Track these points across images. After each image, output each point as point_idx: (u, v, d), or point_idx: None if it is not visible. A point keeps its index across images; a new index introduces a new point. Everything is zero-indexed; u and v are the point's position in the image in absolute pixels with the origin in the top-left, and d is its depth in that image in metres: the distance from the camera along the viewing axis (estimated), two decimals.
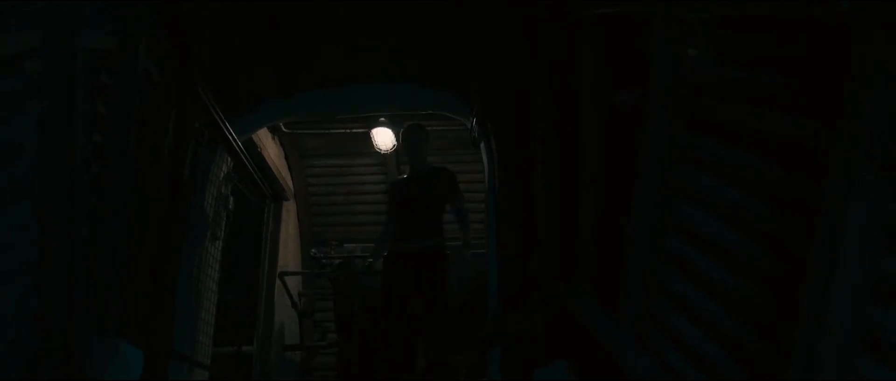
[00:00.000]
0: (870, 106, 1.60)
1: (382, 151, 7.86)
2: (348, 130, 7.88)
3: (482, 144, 4.92)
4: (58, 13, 2.17)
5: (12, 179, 2.28)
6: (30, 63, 2.19)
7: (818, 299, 1.81)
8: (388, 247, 5.29)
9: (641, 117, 2.78)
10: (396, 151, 7.70)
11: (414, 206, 5.12)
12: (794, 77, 1.92)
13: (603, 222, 3.17)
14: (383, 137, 7.64)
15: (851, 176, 1.71)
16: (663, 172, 2.64)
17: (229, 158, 5.18)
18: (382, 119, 7.46)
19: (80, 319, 2.62)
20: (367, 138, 7.78)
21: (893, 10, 1.52)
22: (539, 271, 3.91)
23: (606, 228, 3.13)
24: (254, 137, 6.06)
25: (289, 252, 7.92)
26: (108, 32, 2.91)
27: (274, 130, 7.45)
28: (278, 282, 7.19)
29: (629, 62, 3.00)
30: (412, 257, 5.03)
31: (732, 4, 2.22)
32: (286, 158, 8.12)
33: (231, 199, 5.49)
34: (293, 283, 7.74)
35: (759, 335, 2.05)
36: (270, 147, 7.17)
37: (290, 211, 8.09)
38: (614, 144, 3.13)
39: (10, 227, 2.33)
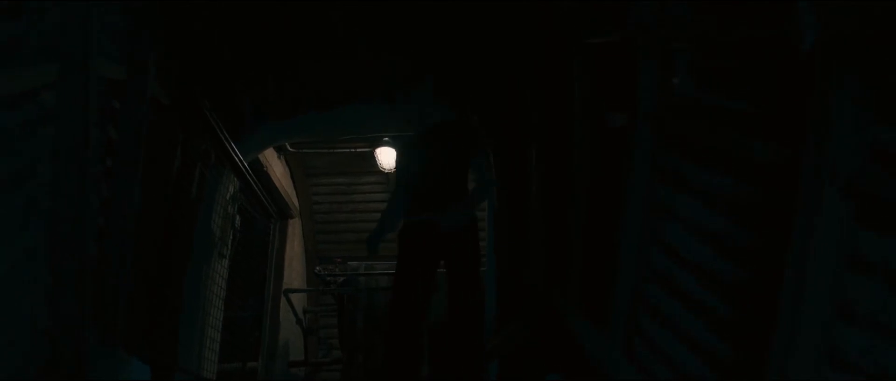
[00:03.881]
0: (833, 135, 1.71)
1: (386, 171, 7.98)
2: (353, 150, 8.02)
3: None
4: (74, 45, 2.29)
5: (28, 200, 2.40)
6: (46, 93, 2.32)
7: (789, 317, 1.92)
8: (396, 223, 4.57)
9: (629, 139, 2.90)
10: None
11: (430, 168, 4.37)
12: (766, 106, 2.02)
13: (593, 239, 3.27)
14: (387, 157, 7.76)
15: (818, 199, 1.82)
16: (649, 192, 2.75)
17: (235, 179, 5.30)
18: (386, 139, 7.59)
19: (89, 334, 2.73)
20: (372, 157, 7.91)
21: (849, 49, 1.63)
22: (532, 285, 4.01)
23: (596, 245, 3.23)
24: (260, 157, 6.20)
25: (294, 270, 8.04)
26: (118, 61, 3.04)
27: (279, 150, 7.58)
28: (283, 299, 7.30)
29: (619, 86, 3.11)
30: (431, 232, 4.24)
31: (710, 38, 2.33)
32: (292, 177, 8.25)
33: (237, 218, 5.61)
34: (298, 300, 7.84)
35: (736, 351, 2.15)
36: (276, 166, 7.30)
37: (295, 229, 8.22)
38: (604, 165, 3.24)
39: (25, 245, 2.45)
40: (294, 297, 7.53)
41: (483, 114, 4.93)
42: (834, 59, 1.65)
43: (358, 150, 7.98)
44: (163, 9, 3.26)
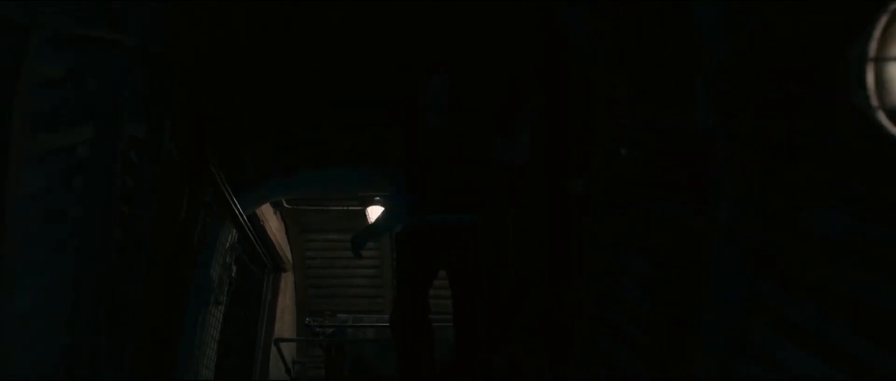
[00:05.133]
0: (724, 201, 2.13)
1: None
2: (345, 208, 8.40)
3: None
4: (108, 109, 2.72)
5: (58, 240, 2.78)
6: (81, 147, 2.73)
7: (701, 352, 2.31)
8: (394, 223, 4.04)
9: (586, 204, 3.31)
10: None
11: (441, 163, 3.80)
12: (683, 177, 2.44)
13: (555, 291, 3.65)
14: (377, 216, 8.14)
15: (721, 253, 2.22)
16: (602, 252, 3.15)
17: (234, 230, 5.66)
18: (377, 198, 7.98)
19: (102, 364, 3.08)
20: (363, 216, 8.29)
21: (736, 131, 2.06)
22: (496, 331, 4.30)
23: (558, 296, 3.61)
24: (257, 211, 6.57)
25: (285, 321, 8.32)
26: (139, 120, 3.45)
27: (276, 205, 7.97)
28: (274, 348, 7.58)
29: (580, 157, 3.54)
30: (438, 236, 3.72)
31: (643, 124, 2.77)
32: (287, 231, 8.61)
33: (234, 267, 5.95)
34: (288, 350, 8.11)
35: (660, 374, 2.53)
36: (272, 221, 7.67)
37: (288, 282, 8.53)
38: (566, 223, 3.63)
39: (51, 279, 2.82)
40: (284, 347, 7.80)
41: None
42: (723, 138, 2.07)
43: (350, 208, 8.36)
44: (178, 80, 3.68)
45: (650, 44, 2.61)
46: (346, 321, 8.31)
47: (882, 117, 1.26)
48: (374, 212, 8.14)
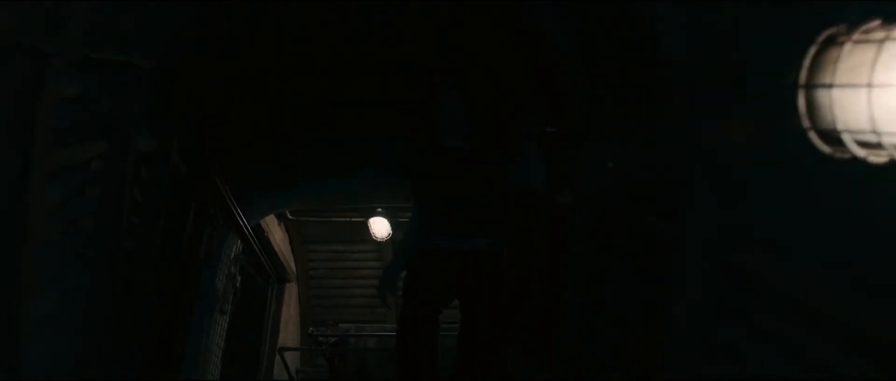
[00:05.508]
0: (692, 212, 2.29)
1: (379, 240, 8.52)
2: (348, 219, 8.57)
3: None
4: (120, 126, 2.89)
5: (73, 250, 2.94)
6: (95, 162, 2.89)
7: (674, 353, 2.47)
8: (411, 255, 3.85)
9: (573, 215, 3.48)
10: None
11: (460, 186, 3.69)
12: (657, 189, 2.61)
13: (546, 298, 3.81)
14: (379, 227, 8.32)
15: (690, 261, 2.38)
16: (586, 259, 3.31)
17: (239, 241, 5.84)
18: (379, 209, 8.15)
19: (112, 368, 3.24)
20: (365, 227, 8.46)
21: (702, 145, 2.22)
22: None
23: (549, 301, 3.77)
24: (262, 222, 6.75)
25: (289, 331, 8.48)
26: (148, 136, 3.63)
27: (280, 217, 8.14)
28: (278, 357, 7.73)
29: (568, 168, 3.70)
30: (457, 263, 3.62)
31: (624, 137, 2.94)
32: (290, 242, 8.78)
33: (239, 278, 6.12)
34: (291, 360, 8.26)
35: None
36: (276, 232, 7.84)
37: (291, 292, 8.69)
38: (557, 233, 3.79)
39: (66, 289, 2.98)
40: (288, 356, 7.96)
41: None
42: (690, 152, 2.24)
43: (353, 219, 8.54)
44: (185, 97, 3.86)
45: (628, 59, 2.78)
46: (349, 330, 8.46)
47: (814, 137, 1.41)
48: (376, 223, 8.31)
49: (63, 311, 2.87)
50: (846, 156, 1.38)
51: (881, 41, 1.25)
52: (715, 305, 2.32)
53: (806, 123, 1.41)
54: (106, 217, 3.02)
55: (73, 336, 2.98)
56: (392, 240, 8.53)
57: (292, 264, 8.76)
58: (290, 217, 8.41)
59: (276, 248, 7.66)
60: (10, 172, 2.11)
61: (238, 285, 6.08)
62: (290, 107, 5.20)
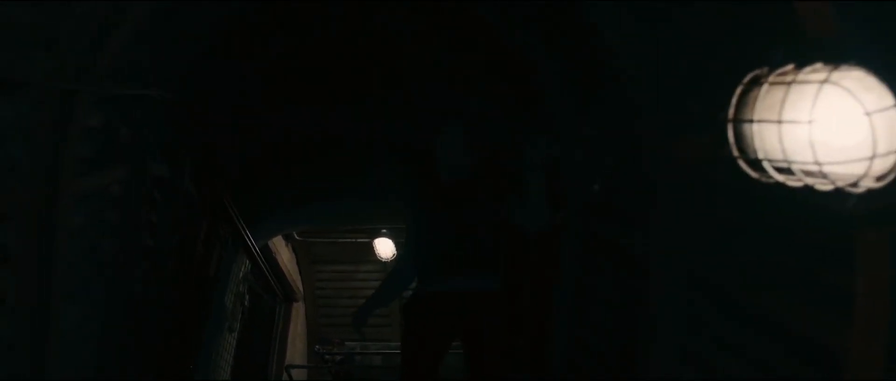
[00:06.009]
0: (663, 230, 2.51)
1: (384, 260, 8.74)
2: (353, 240, 8.80)
3: None
4: (136, 153, 3.14)
5: (93, 269, 3.18)
6: (114, 186, 3.14)
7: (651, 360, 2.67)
8: (399, 291, 3.84)
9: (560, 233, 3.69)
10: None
11: (457, 223, 3.49)
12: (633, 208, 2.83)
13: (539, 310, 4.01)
14: (384, 247, 8.54)
15: (663, 275, 2.59)
16: (573, 274, 3.53)
17: (247, 261, 6.07)
18: (384, 230, 8.38)
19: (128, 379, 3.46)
20: (371, 247, 8.68)
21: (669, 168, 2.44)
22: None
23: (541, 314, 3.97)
24: (269, 243, 6.98)
25: (296, 349, 8.68)
26: (162, 162, 3.87)
27: (287, 238, 8.38)
28: (285, 375, 7.93)
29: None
30: (456, 305, 3.41)
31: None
32: (298, 262, 9.01)
33: (247, 297, 6.34)
34: (299, 376, 8.46)
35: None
36: (284, 253, 8.07)
37: (298, 311, 8.90)
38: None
39: (86, 306, 3.21)
40: (295, 374, 8.15)
41: None
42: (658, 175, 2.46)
43: (358, 240, 8.76)
44: (196, 125, 4.11)
45: (606, 85, 3.01)
46: (355, 348, 8.67)
47: (742, 164, 1.63)
48: (381, 244, 8.53)
49: (83, 324, 3.11)
50: (770, 180, 1.59)
51: (790, 83, 1.48)
52: (684, 315, 2.52)
53: (735, 152, 1.62)
54: (123, 239, 3.25)
55: (92, 347, 3.21)
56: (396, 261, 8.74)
57: (299, 284, 8.98)
58: (297, 238, 8.65)
59: (283, 268, 7.88)
60: (41, 196, 2.35)
61: (246, 303, 6.29)
62: (297, 135, 5.42)
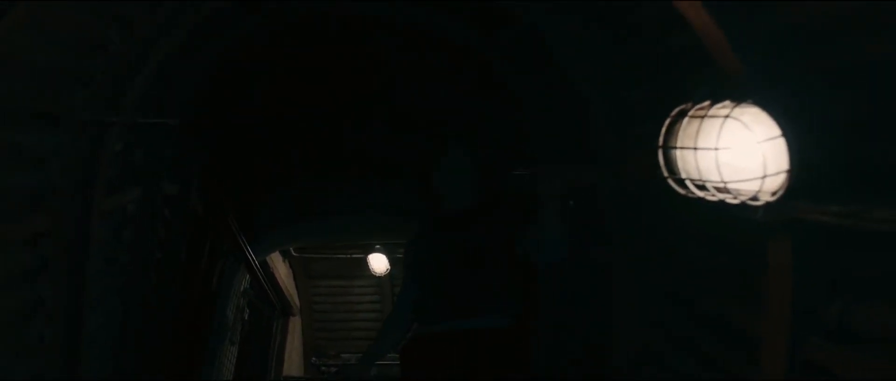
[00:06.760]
0: (621, 242, 2.84)
1: (377, 275, 9.03)
2: (349, 256, 9.11)
3: None
4: (150, 174, 3.47)
5: (111, 280, 3.50)
6: (129, 205, 3.47)
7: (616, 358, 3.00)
8: (401, 335, 3.30)
9: None
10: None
11: (453, 263, 3.09)
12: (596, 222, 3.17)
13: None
14: (378, 263, 8.83)
15: (624, 282, 2.93)
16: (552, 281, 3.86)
17: (248, 276, 6.37)
18: (377, 246, 8.68)
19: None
20: (365, 263, 8.98)
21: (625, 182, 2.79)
22: None
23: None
24: (268, 259, 7.28)
25: (293, 361, 8.96)
26: (171, 182, 4.20)
27: (285, 254, 8.67)
28: None
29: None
30: (455, 346, 2.97)
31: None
32: (294, 277, 9.31)
33: (247, 310, 6.63)
34: None
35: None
36: (281, 268, 8.37)
37: (295, 324, 9.20)
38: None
39: (102, 315, 3.52)
40: None
41: None
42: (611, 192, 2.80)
43: (353, 256, 9.07)
44: (202, 146, 4.44)
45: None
46: (350, 360, 8.95)
47: (672, 183, 1.97)
48: (375, 259, 8.83)
49: (104, 328, 3.42)
50: (693, 196, 1.93)
51: (703, 117, 1.82)
52: (647, 318, 2.85)
53: (665, 173, 1.96)
54: (137, 253, 3.57)
55: (110, 349, 3.52)
56: (390, 276, 9.02)
57: (296, 298, 9.27)
58: (294, 254, 8.95)
59: (280, 282, 8.17)
60: (75, 215, 2.68)
61: (246, 316, 6.59)
62: (296, 155, 5.70)
